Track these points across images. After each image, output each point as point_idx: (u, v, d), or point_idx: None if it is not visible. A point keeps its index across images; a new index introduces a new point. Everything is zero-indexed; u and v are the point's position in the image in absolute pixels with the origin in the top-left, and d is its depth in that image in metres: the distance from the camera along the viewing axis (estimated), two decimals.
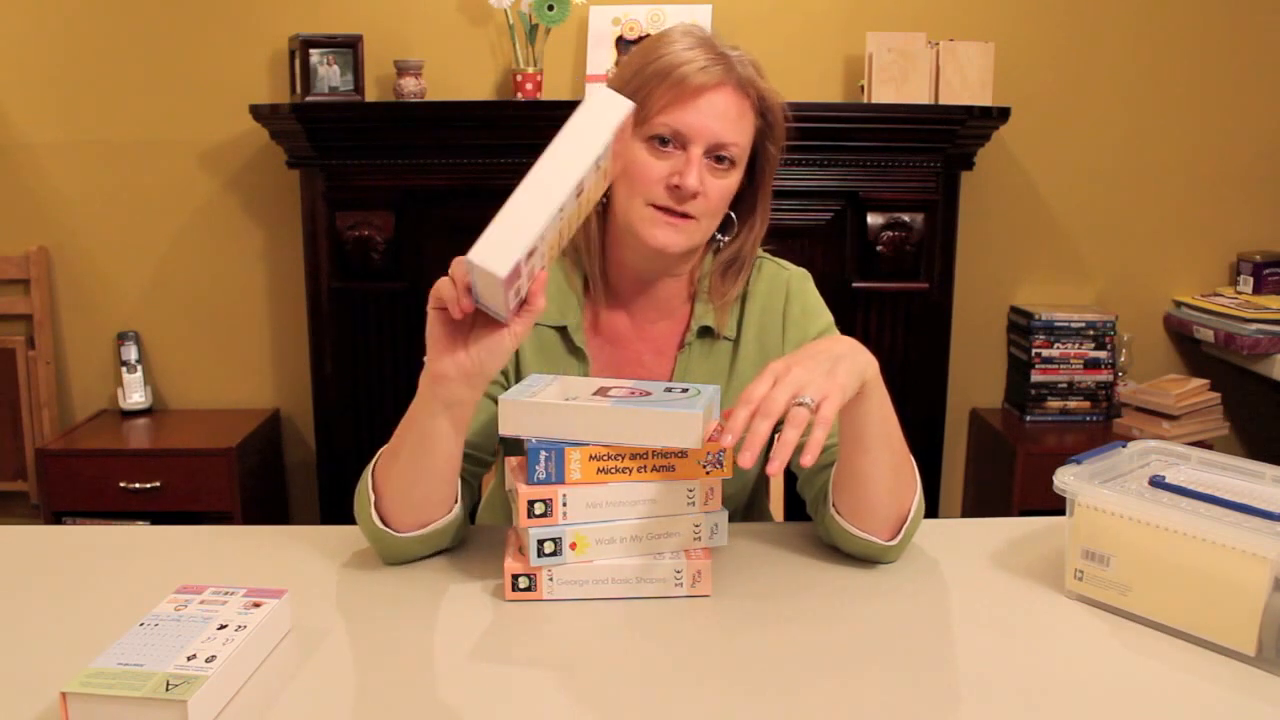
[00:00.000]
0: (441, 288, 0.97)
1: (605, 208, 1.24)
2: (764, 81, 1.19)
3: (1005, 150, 2.65)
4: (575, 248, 1.26)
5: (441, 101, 2.47)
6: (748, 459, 0.91)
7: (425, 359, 1.22)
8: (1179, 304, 2.74)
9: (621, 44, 2.50)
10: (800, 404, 0.93)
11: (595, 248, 1.25)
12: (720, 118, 1.14)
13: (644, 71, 1.16)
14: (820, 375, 0.95)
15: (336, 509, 2.54)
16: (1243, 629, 0.91)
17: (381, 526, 1.08)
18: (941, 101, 2.42)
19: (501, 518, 1.38)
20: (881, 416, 1.04)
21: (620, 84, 1.18)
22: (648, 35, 2.36)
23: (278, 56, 2.57)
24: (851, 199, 2.44)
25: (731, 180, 1.18)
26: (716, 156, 1.15)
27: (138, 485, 2.41)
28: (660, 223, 1.16)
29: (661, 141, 1.15)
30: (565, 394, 1.05)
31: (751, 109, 1.18)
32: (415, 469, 1.06)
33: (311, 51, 2.40)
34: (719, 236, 1.25)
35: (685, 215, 1.15)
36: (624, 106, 0.94)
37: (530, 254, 0.91)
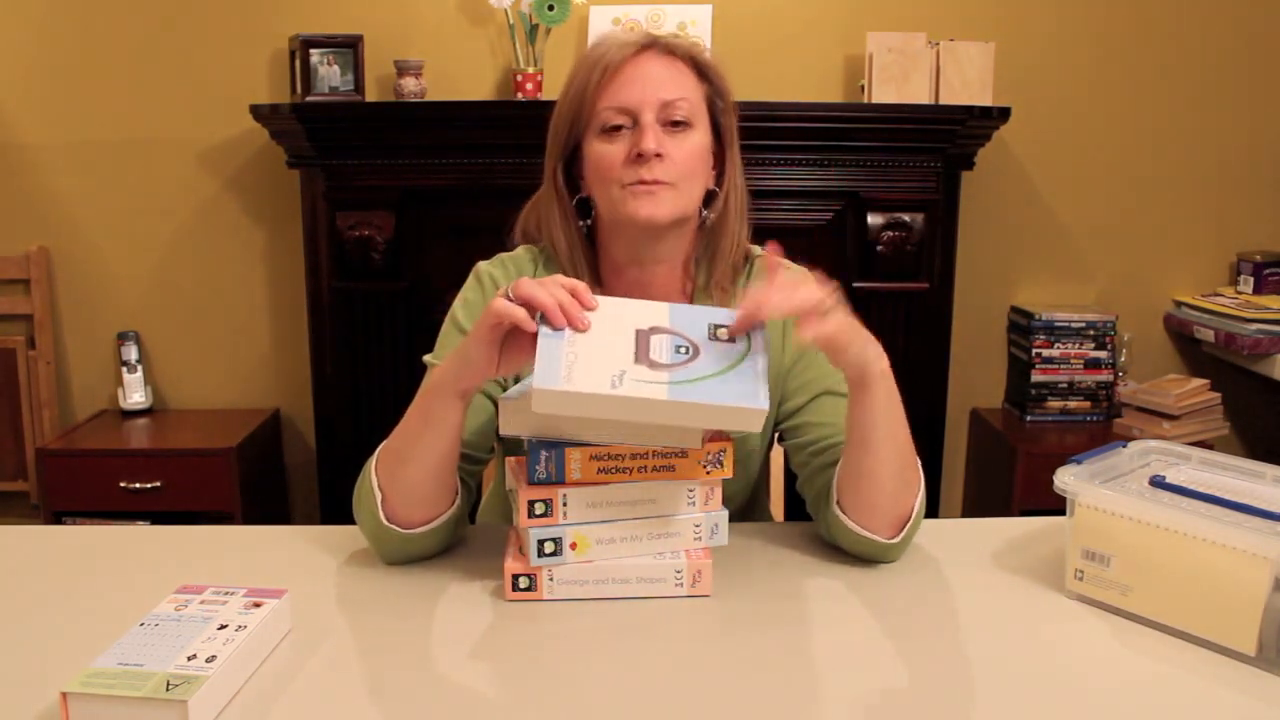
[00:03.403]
0: (512, 313, 0.95)
1: (592, 227, 1.24)
2: (693, 45, 1.20)
3: (1005, 150, 2.65)
4: (565, 272, 1.25)
5: (441, 101, 2.47)
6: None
7: (429, 360, 1.23)
8: (1179, 304, 2.74)
9: None
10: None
11: (581, 258, 1.24)
12: (655, 80, 1.15)
13: (575, 78, 1.18)
14: (844, 312, 0.99)
15: (336, 509, 2.53)
16: (1243, 629, 0.91)
17: (389, 525, 1.08)
18: (942, 101, 2.42)
19: (501, 518, 1.38)
20: (888, 415, 1.05)
21: (561, 98, 1.20)
22: None
23: (278, 56, 2.57)
24: (851, 199, 2.44)
25: (694, 141, 1.17)
26: (671, 121, 1.16)
27: (138, 485, 2.41)
28: (639, 194, 1.15)
29: (614, 128, 1.16)
30: None
31: (686, 68, 1.19)
32: (428, 463, 1.06)
33: (312, 51, 2.40)
34: (705, 213, 1.24)
35: (658, 182, 1.15)
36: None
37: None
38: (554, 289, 0.96)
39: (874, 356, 1.03)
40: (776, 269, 1.07)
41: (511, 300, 0.96)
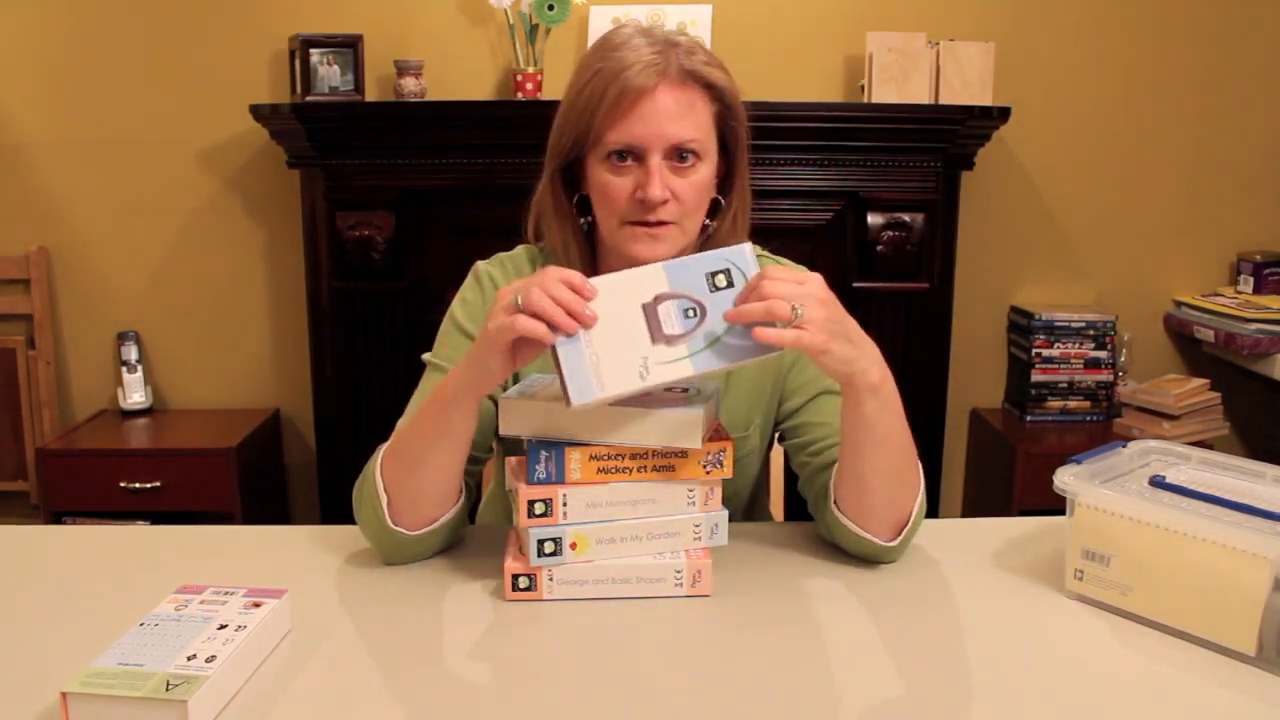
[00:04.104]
0: (532, 330, 0.95)
1: (591, 228, 1.23)
2: (708, 66, 1.15)
3: (1005, 150, 2.65)
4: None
5: (441, 101, 2.47)
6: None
7: (429, 359, 1.23)
8: (1179, 304, 2.74)
9: None
10: (793, 309, 0.95)
11: (576, 260, 1.23)
12: (669, 118, 1.11)
13: (585, 91, 1.13)
14: (824, 318, 0.97)
15: (336, 509, 2.53)
16: (1243, 629, 0.91)
17: (394, 528, 1.08)
18: (941, 101, 2.42)
19: (501, 518, 1.38)
20: (879, 425, 1.04)
21: (568, 106, 1.16)
22: None
23: (278, 56, 2.57)
24: (851, 199, 2.44)
25: (701, 174, 1.15)
26: (679, 155, 1.13)
27: (138, 485, 2.41)
28: (641, 237, 1.14)
29: (620, 156, 1.13)
30: None
31: (701, 97, 1.14)
32: (440, 469, 1.06)
33: (312, 51, 2.40)
34: (709, 223, 1.23)
35: (661, 223, 1.14)
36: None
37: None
38: (555, 289, 0.96)
39: (863, 368, 1.00)
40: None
41: (521, 309, 0.95)
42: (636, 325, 0.98)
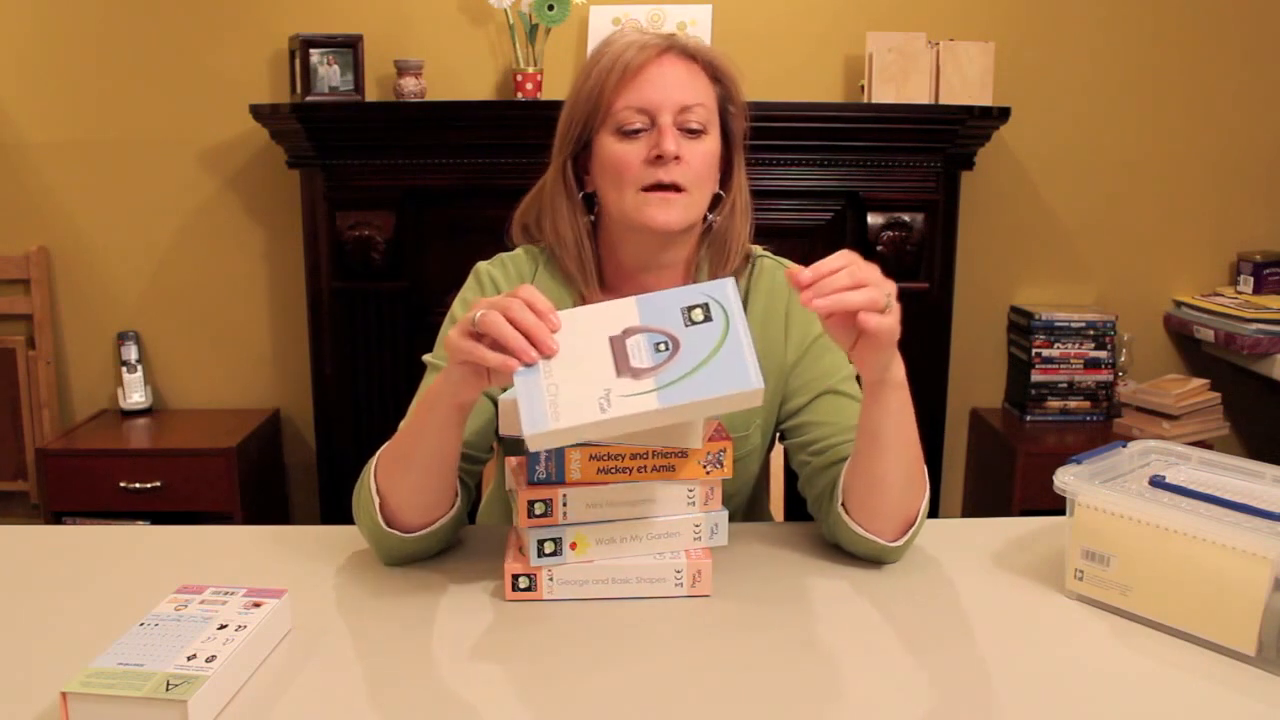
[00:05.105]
0: (484, 359, 0.93)
1: (596, 219, 1.24)
2: (710, 47, 1.21)
3: (1005, 150, 2.65)
4: (567, 272, 1.25)
5: (441, 101, 2.47)
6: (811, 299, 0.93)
7: (429, 359, 1.23)
8: (1179, 304, 2.74)
9: None
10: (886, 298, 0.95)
11: (589, 255, 1.24)
12: (674, 84, 1.16)
13: (593, 74, 1.17)
14: (897, 314, 0.97)
15: (336, 509, 2.54)
16: (1243, 629, 0.91)
17: (388, 529, 1.08)
18: (941, 101, 2.42)
19: (501, 518, 1.38)
20: (901, 419, 1.05)
21: (575, 92, 1.19)
22: None
23: (278, 56, 2.57)
24: (851, 199, 2.44)
25: (708, 145, 1.18)
26: (688, 129, 1.16)
27: (138, 485, 2.41)
28: (654, 202, 1.15)
29: (632, 131, 1.16)
30: None
31: (703, 73, 1.19)
32: (428, 472, 1.06)
33: (312, 51, 2.40)
34: (710, 216, 1.24)
35: (674, 188, 1.15)
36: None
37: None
38: (519, 313, 0.93)
39: (896, 365, 1.02)
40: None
41: (476, 329, 0.94)
42: (601, 357, 0.94)
